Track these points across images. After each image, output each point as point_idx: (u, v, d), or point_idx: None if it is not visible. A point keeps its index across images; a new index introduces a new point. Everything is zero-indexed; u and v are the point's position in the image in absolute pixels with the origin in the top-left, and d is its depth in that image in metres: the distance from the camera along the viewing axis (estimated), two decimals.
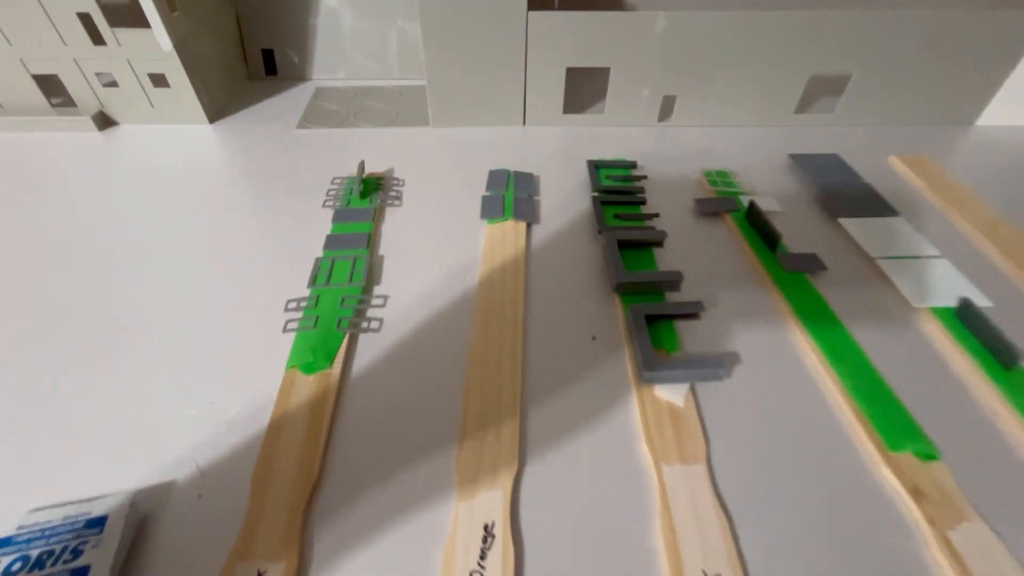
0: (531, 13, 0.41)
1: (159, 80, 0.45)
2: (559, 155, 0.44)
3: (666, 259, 0.34)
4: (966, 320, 0.29)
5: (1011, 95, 0.46)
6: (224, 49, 0.50)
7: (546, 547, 0.21)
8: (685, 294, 0.32)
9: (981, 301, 0.30)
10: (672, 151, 0.45)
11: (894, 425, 0.25)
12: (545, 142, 0.46)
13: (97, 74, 0.45)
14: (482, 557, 0.20)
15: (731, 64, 0.44)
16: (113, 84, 0.45)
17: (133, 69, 0.44)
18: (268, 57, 0.54)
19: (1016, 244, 0.35)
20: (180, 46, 0.43)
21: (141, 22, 0.41)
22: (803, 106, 0.48)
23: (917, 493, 0.22)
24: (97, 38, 0.42)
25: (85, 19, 0.41)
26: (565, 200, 0.39)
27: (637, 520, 0.22)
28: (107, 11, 0.41)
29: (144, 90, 0.45)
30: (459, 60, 0.43)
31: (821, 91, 0.49)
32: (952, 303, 0.30)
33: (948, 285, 0.31)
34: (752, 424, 0.25)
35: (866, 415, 0.25)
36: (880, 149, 0.45)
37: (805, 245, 0.35)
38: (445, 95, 0.46)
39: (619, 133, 0.47)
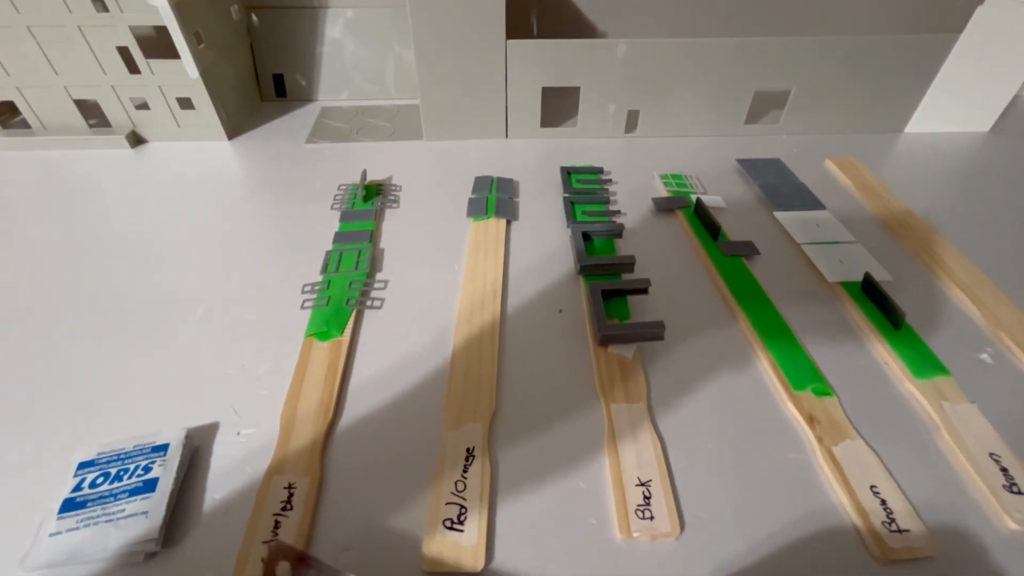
0: (509, 41, 0.48)
1: (185, 103, 0.51)
2: (537, 163, 0.51)
3: (627, 248, 0.40)
4: (868, 291, 0.35)
5: (932, 106, 0.53)
6: (240, 74, 0.57)
7: (516, 465, 0.27)
8: (639, 275, 0.38)
9: (883, 276, 0.36)
10: (636, 158, 0.51)
11: (799, 371, 0.30)
12: (525, 152, 0.52)
13: (131, 98, 0.51)
14: (464, 471, 0.26)
15: (686, 82, 0.51)
16: (145, 107, 0.51)
17: (164, 94, 0.50)
18: (279, 81, 0.61)
19: (918, 231, 0.41)
20: (204, 73, 0.49)
21: (172, 53, 0.48)
22: (752, 117, 0.54)
23: (811, 420, 0.28)
24: (133, 68, 0.48)
25: (123, 52, 0.47)
26: (541, 201, 0.45)
27: (589, 445, 0.27)
28: (143, 44, 0.47)
29: (172, 112, 0.51)
30: (448, 81, 0.50)
31: (768, 104, 0.55)
32: (858, 278, 0.36)
33: (858, 264, 0.37)
34: (687, 373, 0.31)
35: (778, 364, 0.31)
36: (819, 154, 0.52)
37: (745, 234, 0.41)
38: (436, 112, 0.52)
39: (591, 143, 0.54)
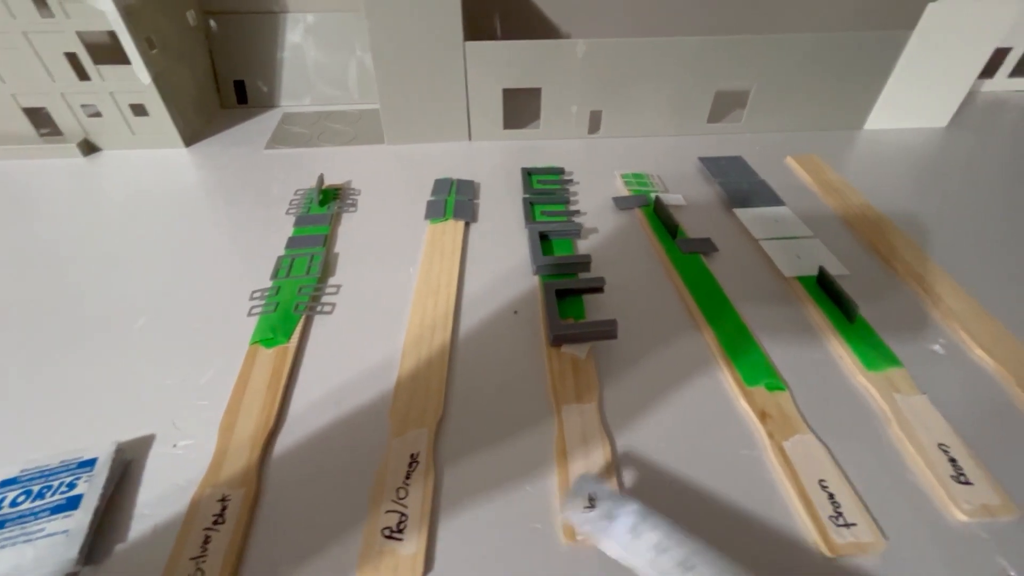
0: (468, 43, 0.47)
1: (139, 110, 0.50)
2: (500, 165, 0.50)
3: (586, 247, 0.40)
4: (823, 285, 0.35)
5: (889, 102, 0.54)
6: (198, 81, 0.56)
7: (463, 470, 0.26)
8: (598, 274, 0.37)
9: (839, 270, 0.36)
10: (600, 159, 0.51)
11: (752, 367, 0.30)
12: (488, 155, 0.52)
13: (82, 106, 0.50)
14: (407, 477, 0.25)
15: (647, 82, 0.51)
16: (97, 115, 0.50)
17: (116, 101, 0.49)
18: (239, 87, 0.60)
19: (875, 224, 0.41)
20: (158, 79, 0.48)
21: (123, 59, 0.47)
22: (716, 117, 0.55)
23: (763, 415, 0.28)
24: (83, 74, 0.47)
25: (72, 58, 0.46)
26: (501, 202, 0.45)
27: (538, 447, 0.27)
28: (92, 50, 0.46)
29: (125, 119, 0.50)
30: (407, 84, 0.49)
31: (731, 103, 0.56)
32: (814, 272, 0.36)
33: (815, 259, 0.37)
34: (642, 372, 0.31)
35: (732, 360, 0.30)
36: (781, 151, 0.52)
37: (704, 231, 0.41)
38: (397, 116, 0.51)
39: (555, 145, 0.53)
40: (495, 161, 0.51)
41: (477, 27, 0.62)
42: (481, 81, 0.50)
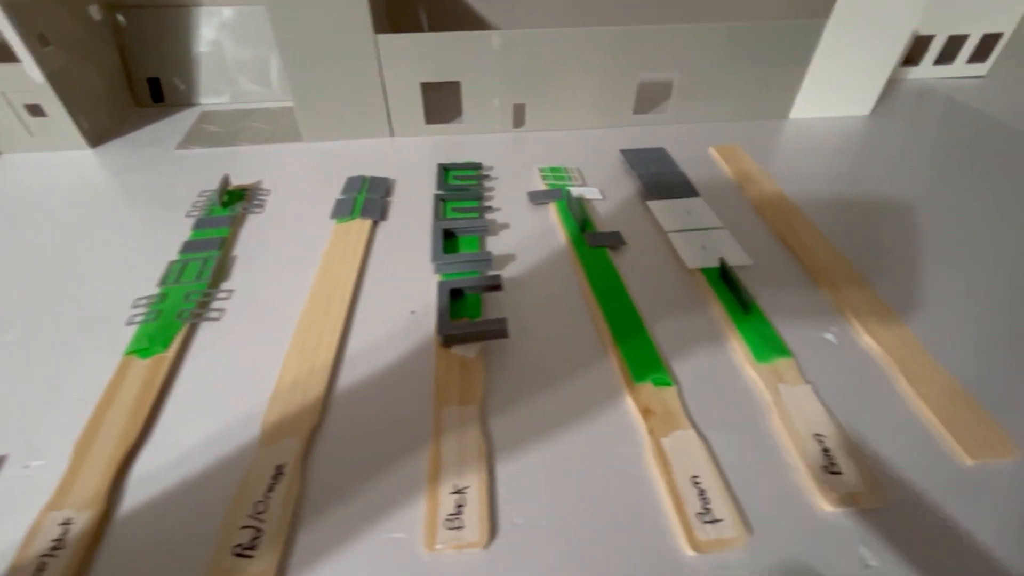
0: (380, 36, 0.46)
1: (36, 110, 0.47)
2: (421, 162, 0.49)
3: (497, 244, 0.39)
4: (724, 276, 0.35)
5: (812, 91, 0.54)
6: (107, 78, 0.53)
7: (332, 481, 0.25)
8: (507, 271, 0.37)
9: (743, 261, 0.36)
10: (524, 153, 0.50)
11: (642, 363, 0.29)
12: (410, 151, 0.51)
13: None
14: (269, 490, 0.24)
15: (569, 74, 0.50)
16: None
17: (8, 101, 0.46)
18: (155, 84, 0.57)
19: (786, 214, 0.41)
20: (54, 78, 0.46)
21: (13, 57, 0.44)
22: (644, 108, 0.54)
23: (647, 412, 0.27)
24: None
25: None
26: (416, 199, 0.44)
27: (414, 453, 0.26)
28: None
29: (21, 120, 0.47)
30: (320, 80, 0.48)
31: (658, 94, 0.55)
32: (717, 263, 0.36)
33: (721, 250, 0.37)
34: (534, 371, 0.30)
35: (623, 356, 0.30)
36: (706, 142, 0.52)
37: (617, 225, 0.41)
38: (313, 112, 0.50)
39: (479, 139, 0.52)
40: (417, 157, 0.50)
41: (402, 20, 0.60)
42: (397, 75, 0.48)
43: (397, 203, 0.44)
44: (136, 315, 0.32)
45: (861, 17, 0.49)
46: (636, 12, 0.62)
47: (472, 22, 0.61)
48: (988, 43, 0.62)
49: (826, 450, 0.25)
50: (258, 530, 0.22)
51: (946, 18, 0.59)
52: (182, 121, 0.55)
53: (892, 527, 0.23)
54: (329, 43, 0.46)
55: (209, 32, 0.55)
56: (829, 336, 0.32)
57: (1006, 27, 0.60)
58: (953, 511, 0.23)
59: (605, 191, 0.45)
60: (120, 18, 0.54)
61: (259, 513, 0.23)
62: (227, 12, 0.55)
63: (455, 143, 0.52)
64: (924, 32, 0.60)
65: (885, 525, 0.23)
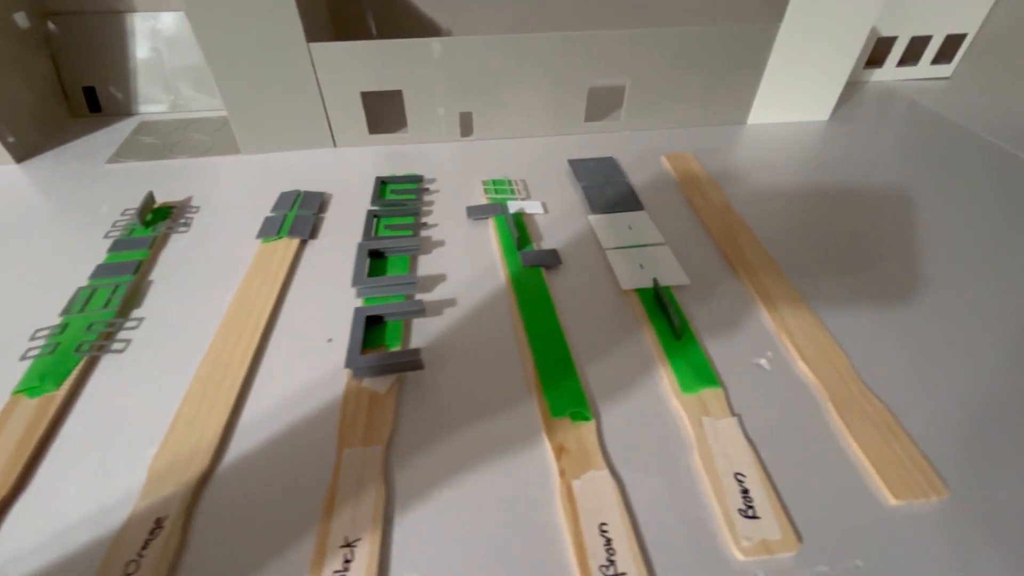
0: (312, 44, 0.44)
1: None
2: (362, 174, 0.47)
3: (430, 263, 0.37)
4: (656, 299, 0.33)
5: (770, 96, 0.52)
6: (36, 89, 0.51)
7: (217, 532, 0.23)
8: (437, 293, 0.35)
9: (680, 280, 0.35)
10: (472, 163, 0.49)
11: (562, 395, 0.28)
12: (353, 163, 0.49)
13: None
14: (144, 547, 0.22)
15: (517, 81, 0.48)
16: None
17: None
18: (91, 94, 0.55)
19: (731, 228, 0.39)
20: None
21: None
22: (597, 115, 0.52)
23: (561, 450, 0.26)
24: None
25: None
26: (350, 216, 0.42)
27: (308, 500, 0.24)
28: None
29: None
30: (253, 89, 0.46)
31: (612, 101, 0.54)
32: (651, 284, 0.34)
33: (658, 268, 0.36)
34: (450, 406, 0.28)
35: (543, 388, 0.28)
36: (660, 150, 0.50)
37: (558, 241, 0.39)
38: (248, 123, 0.48)
39: (426, 149, 0.51)
40: (358, 169, 0.48)
41: (349, 27, 0.58)
42: (335, 84, 0.47)
43: (331, 219, 0.42)
44: (32, 348, 0.31)
45: (815, 20, 0.47)
46: (605, 17, 0.61)
47: (424, 28, 0.59)
48: (952, 44, 0.61)
49: (745, 491, 0.24)
50: None
51: (908, 19, 0.57)
52: (119, 132, 0.53)
53: (804, 575, 0.22)
54: (259, 52, 0.44)
55: (146, 39, 0.53)
56: (763, 362, 0.30)
57: (969, 28, 0.59)
58: (870, 555, 0.22)
59: (549, 204, 0.43)
60: (51, 26, 0.52)
61: (129, 574, 0.21)
62: (166, 18, 0.53)
63: (400, 153, 0.50)
64: (886, 33, 0.58)
65: (797, 573, 0.22)
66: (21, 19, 0.49)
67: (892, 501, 0.24)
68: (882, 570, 0.22)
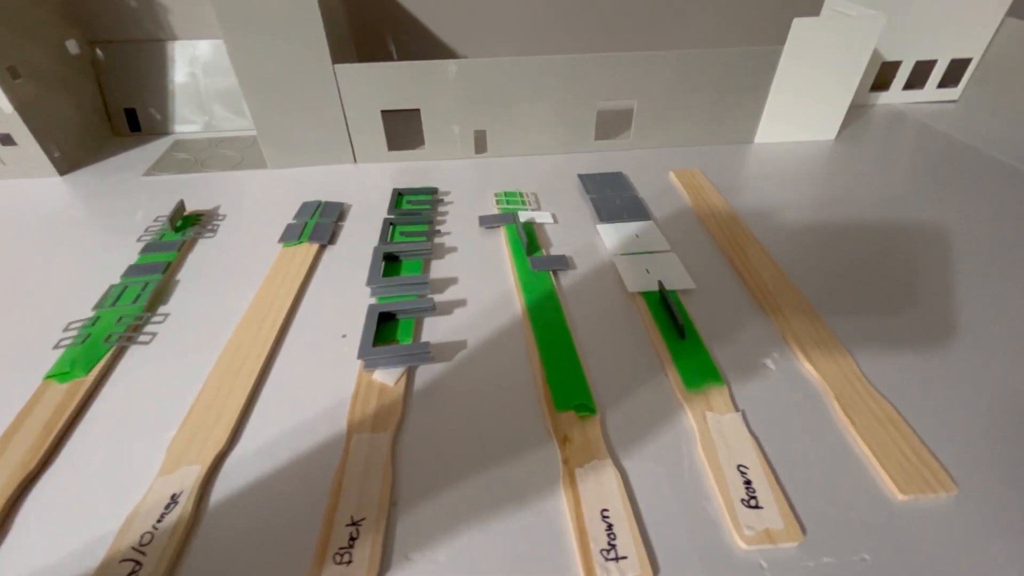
0: (337, 65, 0.47)
1: (6, 139, 0.49)
2: (380, 187, 0.49)
3: (444, 267, 0.39)
4: (662, 300, 0.34)
5: (776, 115, 0.54)
6: (83, 109, 0.55)
7: (228, 511, 0.24)
8: (448, 295, 0.36)
9: (686, 285, 0.35)
10: (484, 178, 0.51)
11: (568, 390, 0.28)
12: (372, 177, 0.51)
13: None
14: (159, 520, 0.23)
15: (528, 101, 0.51)
16: None
17: None
18: (132, 115, 0.59)
19: (737, 238, 0.40)
20: (24, 109, 0.47)
21: None
22: (607, 134, 0.54)
23: (565, 440, 0.26)
24: None
25: None
26: (368, 225, 0.44)
27: (317, 483, 0.25)
28: None
29: None
30: (281, 109, 0.49)
31: (622, 121, 0.55)
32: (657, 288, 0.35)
33: (665, 274, 0.36)
34: (458, 397, 0.29)
35: (548, 384, 0.29)
36: (668, 166, 0.51)
37: (568, 248, 0.40)
38: (275, 140, 0.51)
39: (442, 165, 0.53)
40: (377, 183, 0.50)
41: (371, 50, 0.62)
42: (357, 103, 0.49)
43: (349, 227, 0.44)
44: (65, 339, 0.32)
45: (816, 45, 0.49)
46: (613, 40, 0.63)
47: (441, 51, 0.63)
48: (958, 68, 0.62)
49: (748, 482, 0.24)
50: (137, 563, 0.22)
51: (912, 44, 0.59)
52: (155, 149, 0.57)
53: (808, 566, 0.21)
54: (288, 73, 0.47)
55: (184, 64, 0.57)
56: (768, 362, 0.30)
57: (974, 52, 0.60)
58: (875, 549, 0.22)
59: (559, 215, 0.45)
60: (98, 52, 0.56)
61: (143, 545, 0.22)
62: (202, 45, 0.57)
63: (417, 169, 0.52)
64: (891, 58, 0.60)
65: (801, 564, 0.21)
66: (72, 46, 0.54)
67: (899, 496, 0.23)
68: (889, 564, 0.22)
